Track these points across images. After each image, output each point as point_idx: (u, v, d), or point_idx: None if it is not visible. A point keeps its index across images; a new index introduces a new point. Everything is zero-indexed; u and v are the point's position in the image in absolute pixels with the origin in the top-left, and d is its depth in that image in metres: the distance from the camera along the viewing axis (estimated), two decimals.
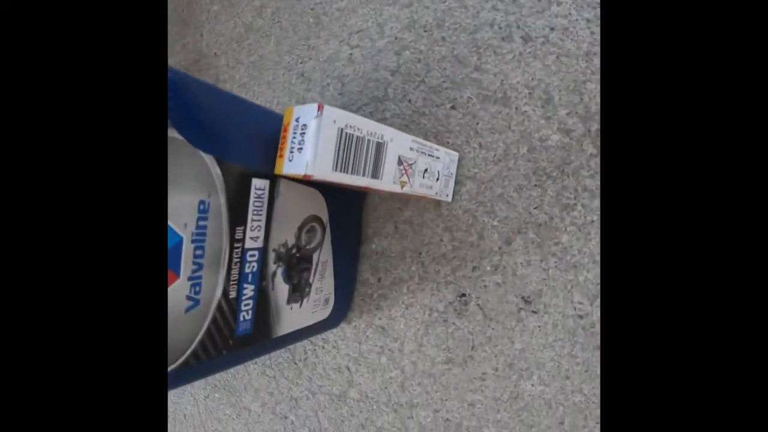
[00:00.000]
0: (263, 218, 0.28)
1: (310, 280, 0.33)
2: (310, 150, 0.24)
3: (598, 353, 0.34)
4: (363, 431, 0.42)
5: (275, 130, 0.28)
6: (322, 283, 0.35)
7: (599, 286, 0.34)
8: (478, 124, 0.38)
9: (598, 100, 0.35)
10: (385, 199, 0.40)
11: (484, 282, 0.37)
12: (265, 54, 0.48)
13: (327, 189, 0.33)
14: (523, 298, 0.36)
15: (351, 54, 0.43)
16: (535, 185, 0.36)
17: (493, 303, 0.37)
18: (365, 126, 0.27)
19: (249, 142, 0.26)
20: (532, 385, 0.36)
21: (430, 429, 0.39)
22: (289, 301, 0.31)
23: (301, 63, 0.45)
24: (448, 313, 0.38)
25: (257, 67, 0.48)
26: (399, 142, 0.29)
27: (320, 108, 0.25)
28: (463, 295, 0.38)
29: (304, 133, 0.25)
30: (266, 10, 0.49)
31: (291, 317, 0.32)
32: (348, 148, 0.25)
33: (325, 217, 0.34)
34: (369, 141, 0.27)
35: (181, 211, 0.23)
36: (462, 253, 0.37)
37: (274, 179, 0.29)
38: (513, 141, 0.36)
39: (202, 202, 0.24)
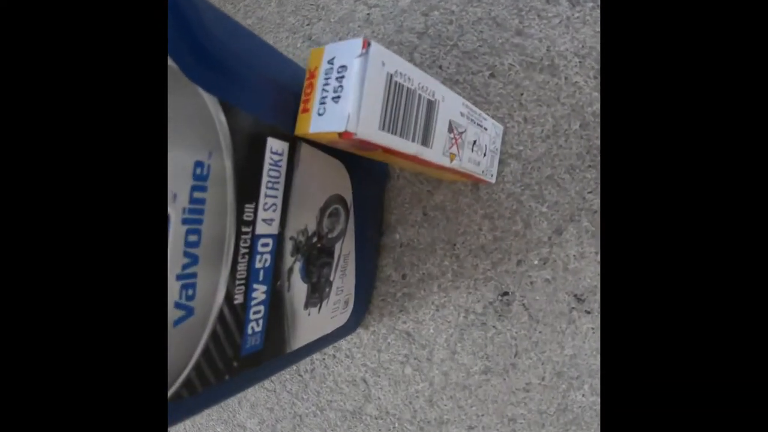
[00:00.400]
0: (280, 194, 0.22)
1: (331, 278, 0.27)
2: (353, 99, 0.18)
3: None
4: None
5: (296, 81, 0.22)
6: (344, 282, 0.29)
7: None
8: (522, 95, 0.32)
9: None
10: (411, 180, 0.34)
11: (530, 278, 0.31)
12: (265, 15, 0.42)
13: (351, 161, 0.27)
14: (575, 296, 0.31)
15: (369, 14, 0.37)
16: (590, 166, 0.30)
17: (540, 302, 0.31)
18: (417, 76, 0.21)
19: (266, 85, 0.20)
20: (583, 396, 0.31)
21: None
22: (307, 305, 0.25)
23: (308, 25, 0.39)
24: (487, 315, 0.32)
25: (256, 30, 0.42)
26: (450, 103, 0.23)
27: (365, 44, 0.19)
28: (506, 293, 0.32)
29: (342, 77, 0.19)
30: None
31: (308, 325, 0.26)
32: (397, 103, 0.20)
33: (349, 198, 0.28)
34: (420, 97, 0.21)
35: (169, 176, 0.17)
36: (505, 245, 0.32)
37: (294, 143, 0.22)
38: (563, 115, 0.31)
39: (199, 164, 0.18)
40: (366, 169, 0.29)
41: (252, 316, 0.21)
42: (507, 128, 0.32)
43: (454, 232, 0.33)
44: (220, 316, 0.20)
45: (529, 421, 0.32)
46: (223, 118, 0.18)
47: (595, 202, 0.30)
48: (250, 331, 0.21)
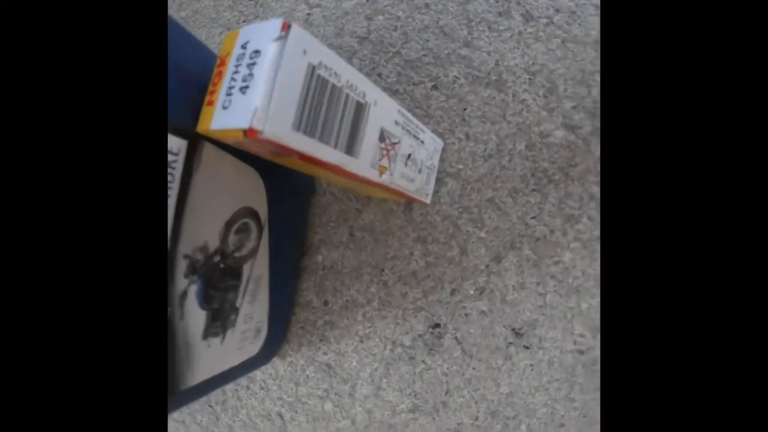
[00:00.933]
0: (173, 202, 0.18)
1: (237, 303, 0.24)
2: (263, 90, 0.15)
3: (598, 395, 0.27)
4: None
5: (206, 71, 0.19)
6: (254, 307, 0.25)
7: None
8: (465, 110, 0.30)
9: None
10: (339, 197, 0.31)
11: (465, 309, 0.29)
12: (201, 9, 0.38)
13: (267, 169, 0.24)
14: (513, 330, 0.28)
15: (309, 14, 0.34)
16: (534, 190, 0.28)
17: (475, 336, 0.29)
18: (346, 72, 0.18)
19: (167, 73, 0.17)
20: None
21: None
22: (206, 335, 0.21)
23: (244, 21, 0.36)
24: (416, 349, 0.29)
25: (189, 24, 0.38)
26: (384, 108, 0.21)
27: (285, 27, 0.16)
28: (438, 325, 0.29)
29: (254, 64, 0.16)
30: None
31: (209, 357, 0.22)
32: (319, 100, 0.17)
33: (263, 213, 0.24)
34: (348, 97, 0.18)
35: None
36: (438, 272, 0.29)
37: (195, 142, 0.19)
38: (508, 134, 0.29)
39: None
40: (285, 180, 0.26)
41: None
42: (447, 144, 0.30)
43: (382, 255, 0.30)
44: None
45: None
46: None
47: (538, 228, 0.28)
48: None
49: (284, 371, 0.31)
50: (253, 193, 0.23)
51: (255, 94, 0.15)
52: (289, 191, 0.27)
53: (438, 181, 0.29)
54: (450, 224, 0.29)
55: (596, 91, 0.29)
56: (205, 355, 0.22)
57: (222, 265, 0.22)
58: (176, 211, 0.19)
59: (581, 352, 0.28)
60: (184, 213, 0.19)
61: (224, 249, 0.22)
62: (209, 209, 0.20)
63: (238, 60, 0.16)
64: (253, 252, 0.24)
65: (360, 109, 0.18)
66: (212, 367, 0.23)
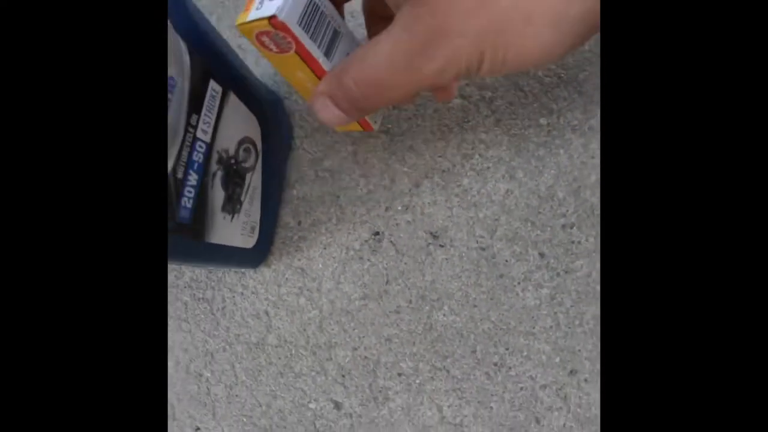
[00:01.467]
0: (213, 116, 0.31)
1: (242, 198, 0.36)
2: None
3: (501, 281, 0.40)
4: (281, 379, 0.43)
5: (231, 56, 0.32)
6: (251, 207, 0.37)
7: (497, 222, 0.40)
8: None
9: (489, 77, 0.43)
10: (309, 150, 0.44)
11: (396, 221, 0.42)
12: None
13: (262, 119, 0.37)
14: (431, 233, 0.41)
15: None
16: (439, 138, 0.42)
17: (404, 239, 0.41)
18: (329, 8, 0.28)
19: (212, 47, 0.30)
20: (444, 316, 0.41)
21: (348, 369, 0.42)
22: (223, 209, 0.34)
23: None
24: (363, 251, 0.42)
25: None
26: (349, 41, 0.30)
27: None
28: (377, 233, 0.42)
29: None
30: None
31: (223, 227, 0.34)
32: (313, 15, 0.27)
33: (258, 144, 0.37)
34: (329, 23, 0.28)
35: None
36: (376, 196, 0.42)
37: (225, 91, 0.32)
38: (421, 103, 0.43)
39: (171, 78, 0.27)
40: (274, 129, 0.39)
41: (186, 193, 0.29)
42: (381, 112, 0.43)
43: (338, 187, 0.43)
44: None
45: (402, 340, 0.41)
46: (187, 58, 0.28)
47: (444, 163, 0.42)
48: (183, 204, 0.29)
49: (269, 276, 0.43)
50: (252, 129, 0.36)
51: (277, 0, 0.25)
52: (275, 137, 0.40)
53: (372, 134, 0.43)
54: (383, 164, 0.42)
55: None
56: (221, 223, 0.34)
57: (235, 167, 0.34)
58: (215, 124, 0.31)
59: (482, 249, 0.41)
60: (219, 126, 0.32)
61: (236, 157, 0.34)
62: (230, 129, 0.33)
63: None
64: (252, 167, 0.37)
65: (335, 34, 0.29)
66: (224, 236, 0.34)
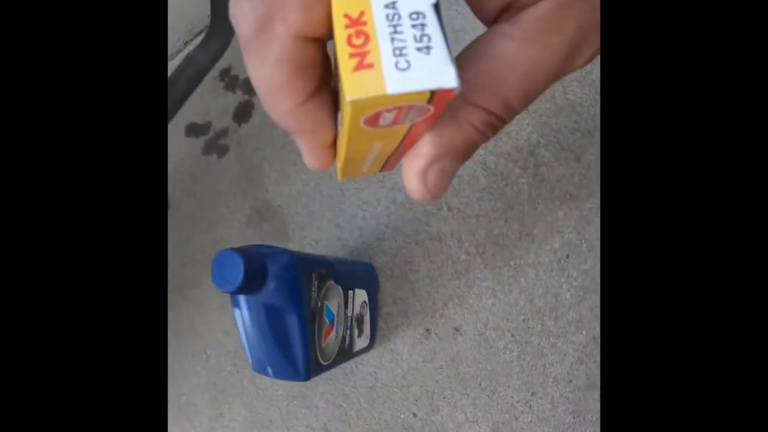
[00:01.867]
0: (351, 305, 0.71)
1: (363, 327, 0.76)
2: (444, 50, 0.15)
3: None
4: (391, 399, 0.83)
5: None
6: (366, 328, 0.77)
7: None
8: None
9: None
10: (388, 287, 0.83)
11: (441, 318, 0.81)
12: (314, 210, 0.92)
13: (370, 286, 0.77)
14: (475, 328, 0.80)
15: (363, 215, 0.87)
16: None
17: (441, 331, 0.80)
18: None
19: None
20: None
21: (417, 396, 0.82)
22: (358, 336, 0.74)
23: (340, 216, 0.89)
24: (421, 339, 0.81)
25: (308, 218, 0.92)
26: None
27: None
28: (428, 329, 0.81)
29: (421, 25, 0.15)
30: (310, 183, 0.93)
31: (358, 343, 0.74)
32: None
33: (367, 299, 0.77)
34: None
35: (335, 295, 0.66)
36: (424, 308, 0.81)
37: (357, 289, 0.72)
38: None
39: (331, 312, 0.66)
40: (372, 286, 0.79)
41: (347, 339, 0.70)
42: None
43: (405, 306, 0.82)
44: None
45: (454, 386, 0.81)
46: (340, 290, 0.68)
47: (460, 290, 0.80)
48: (346, 343, 0.70)
49: (375, 354, 0.83)
50: (365, 296, 0.76)
51: (441, 53, 0.15)
52: (374, 290, 0.80)
53: None
54: (429, 291, 0.82)
55: None
56: (357, 342, 0.74)
57: (359, 317, 0.74)
58: (352, 308, 0.71)
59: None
60: (354, 307, 0.72)
61: (360, 312, 0.74)
62: (357, 304, 0.73)
63: (390, 19, 0.15)
64: (366, 312, 0.77)
65: None
66: (357, 346, 0.75)
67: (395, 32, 0.15)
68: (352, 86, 0.15)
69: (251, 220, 0.91)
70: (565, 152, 0.81)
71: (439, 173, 0.19)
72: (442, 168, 0.19)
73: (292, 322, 0.61)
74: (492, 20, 0.19)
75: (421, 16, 0.15)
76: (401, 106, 0.16)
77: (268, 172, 0.91)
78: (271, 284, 0.58)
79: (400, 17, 0.15)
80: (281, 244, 0.86)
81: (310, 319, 0.62)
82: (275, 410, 0.87)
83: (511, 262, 0.79)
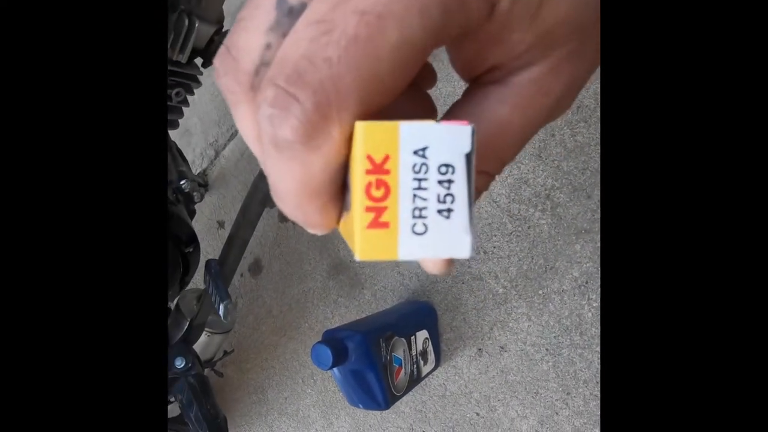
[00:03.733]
0: (416, 344, 0.93)
1: (428, 356, 0.98)
2: (467, 215, 0.14)
3: None
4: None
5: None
6: (431, 357, 0.99)
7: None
8: None
9: None
10: (444, 318, 1.04)
11: (490, 342, 1.01)
12: (378, 262, 1.13)
13: (431, 324, 0.98)
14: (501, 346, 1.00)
15: None
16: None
17: (501, 353, 1.01)
18: None
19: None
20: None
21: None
22: (424, 364, 0.96)
23: (400, 265, 1.10)
24: (474, 358, 1.02)
25: (374, 268, 1.13)
26: None
27: (473, 131, 0.14)
28: (480, 349, 1.02)
29: (448, 181, 0.14)
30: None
31: (425, 369, 0.96)
32: None
33: (428, 334, 0.98)
34: None
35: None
36: (475, 333, 1.02)
37: (417, 332, 0.93)
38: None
39: (397, 358, 0.88)
40: (432, 321, 1.00)
41: (415, 372, 0.92)
42: None
43: (461, 332, 1.03)
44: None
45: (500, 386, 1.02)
46: (404, 340, 0.90)
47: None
48: (416, 375, 0.92)
49: (441, 371, 1.05)
50: (426, 334, 0.98)
51: (461, 219, 0.14)
52: (434, 324, 1.01)
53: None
54: (472, 318, 1.02)
55: None
56: (423, 368, 0.96)
57: (424, 351, 0.96)
58: (415, 347, 0.93)
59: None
60: (417, 345, 0.94)
61: (424, 348, 0.96)
62: (420, 341, 0.95)
63: (416, 171, 0.14)
64: (428, 344, 0.98)
65: None
66: (425, 371, 0.97)
67: (419, 188, 0.14)
68: (364, 245, 0.14)
69: (330, 274, 1.14)
70: (577, 192, 0.96)
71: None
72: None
73: (370, 376, 0.84)
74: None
75: (450, 170, 0.14)
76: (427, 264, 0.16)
77: (335, 233, 1.13)
78: (352, 357, 0.81)
79: (427, 169, 0.14)
80: (357, 291, 1.09)
81: (383, 370, 0.85)
82: (372, 417, 1.12)
83: (540, 292, 0.96)
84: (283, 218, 1.20)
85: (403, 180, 0.14)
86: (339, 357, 0.79)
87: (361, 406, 0.87)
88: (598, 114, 0.98)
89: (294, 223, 1.39)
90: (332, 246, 1.14)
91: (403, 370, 0.90)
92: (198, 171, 1.41)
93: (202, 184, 1.32)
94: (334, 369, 0.84)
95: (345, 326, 0.86)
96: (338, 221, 0.18)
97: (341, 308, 1.11)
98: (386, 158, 0.13)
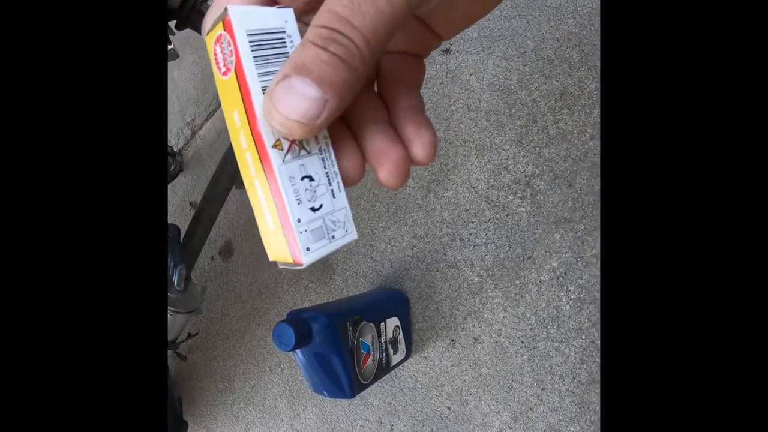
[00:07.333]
0: (384, 332, 0.89)
1: (398, 345, 0.94)
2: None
3: None
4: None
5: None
6: (401, 345, 0.95)
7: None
8: None
9: None
10: (416, 306, 1.00)
11: (463, 330, 0.97)
12: (351, 247, 1.09)
13: (402, 309, 0.94)
14: (474, 338, 0.96)
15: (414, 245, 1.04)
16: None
17: (466, 344, 0.97)
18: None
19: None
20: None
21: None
22: (393, 354, 0.92)
23: (373, 251, 1.06)
24: (447, 348, 0.99)
25: (347, 254, 1.09)
26: None
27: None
28: (453, 340, 0.98)
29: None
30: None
31: (395, 359, 0.93)
32: (272, 44, 0.21)
33: (400, 322, 0.94)
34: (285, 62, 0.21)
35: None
36: (447, 322, 0.98)
37: (386, 319, 0.90)
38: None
39: (366, 344, 0.84)
40: (404, 308, 0.97)
41: (384, 360, 0.88)
42: None
43: (434, 322, 0.99)
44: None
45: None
46: (373, 326, 0.86)
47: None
48: (383, 364, 0.88)
49: (412, 362, 1.01)
50: (397, 320, 0.94)
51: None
52: (406, 311, 0.97)
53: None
54: (445, 308, 0.98)
55: None
56: (393, 358, 0.92)
57: (393, 339, 0.92)
58: (385, 333, 0.90)
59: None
60: (387, 332, 0.90)
61: (394, 336, 0.92)
62: (390, 329, 0.91)
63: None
64: (399, 332, 0.94)
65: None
66: (395, 360, 0.93)
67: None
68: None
69: None
70: (558, 180, 0.93)
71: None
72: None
73: (335, 361, 0.80)
74: None
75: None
76: (219, 35, 0.20)
77: None
78: (316, 339, 0.77)
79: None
80: (328, 277, 1.05)
81: (349, 355, 0.81)
82: (340, 408, 1.08)
83: (517, 282, 0.93)
84: None
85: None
86: (302, 338, 0.75)
87: (325, 393, 0.83)
88: (582, 102, 0.95)
89: None
90: None
91: (371, 357, 0.86)
92: (175, 151, 1.37)
93: (172, 153, 1.27)
94: (298, 352, 0.80)
95: (311, 307, 0.82)
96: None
97: (311, 294, 1.07)
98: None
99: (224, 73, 0.20)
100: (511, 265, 0.94)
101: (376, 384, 1.05)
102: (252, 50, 0.19)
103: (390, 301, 0.96)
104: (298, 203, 0.21)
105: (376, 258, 1.03)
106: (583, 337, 0.89)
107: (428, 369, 1.00)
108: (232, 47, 0.19)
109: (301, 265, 0.21)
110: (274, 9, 0.20)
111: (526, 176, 0.95)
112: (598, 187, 0.90)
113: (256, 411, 1.17)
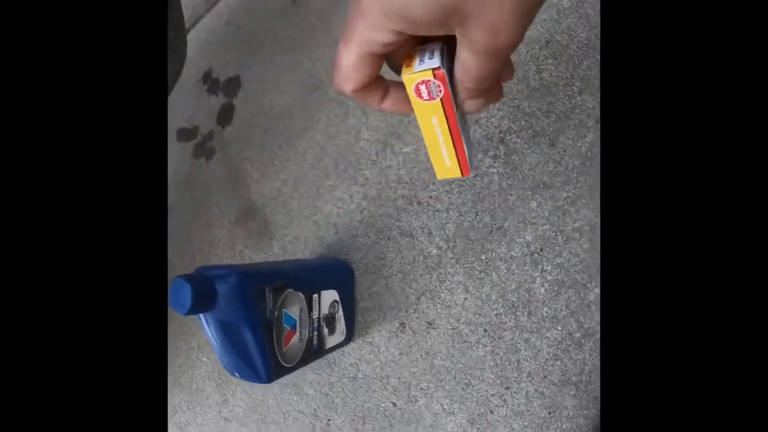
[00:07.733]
0: (317, 307, 0.73)
1: (335, 325, 0.79)
2: (440, 56, 0.31)
3: None
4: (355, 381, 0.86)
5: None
6: (340, 324, 0.80)
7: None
8: None
9: None
10: (363, 282, 0.85)
11: (415, 313, 0.82)
12: (293, 208, 0.94)
13: (341, 284, 0.79)
14: (428, 323, 0.81)
15: (363, 205, 0.88)
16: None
17: (417, 327, 0.82)
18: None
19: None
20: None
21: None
22: (329, 334, 0.77)
23: (317, 214, 0.91)
24: (396, 333, 0.83)
25: (288, 216, 0.94)
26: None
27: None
28: (403, 323, 0.83)
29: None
30: (288, 182, 0.95)
31: (330, 341, 0.77)
32: (449, 73, 0.31)
33: (338, 298, 0.79)
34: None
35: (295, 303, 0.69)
36: (398, 303, 0.83)
37: (323, 291, 0.74)
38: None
39: (335, 302, 0.69)
40: (346, 283, 0.81)
41: (315, 339, 0.73)
42: None
43: (381, 301, 0.84)
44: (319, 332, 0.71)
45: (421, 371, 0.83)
46: (302, 296, 0.71)
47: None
48: (315, 344, 0.73)
49: (354, 347, 0.86)
50: (336, 294, 0.78)
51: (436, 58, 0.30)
52: (348, 287, 0.82)
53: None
54: (397, 290, 0.83)
55: None
56: (329, 339, 0.77)
57: (329, 316, 0.77)
58: (318, 310, 0.74)
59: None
60: (321, 308, 0.75)
61: (330, 311, 0.77)
62: (325, 304, 0.76)
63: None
64: (337, 310, 0.79)
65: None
66: (331, 342, 0.78)
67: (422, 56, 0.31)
68: (403, 73, 0.31)
69: (239, 219, 0.94)
70: (538, 138, 0.78)
71: (476, 103, 0.33)
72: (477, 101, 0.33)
73: (246, 333, 0.64)
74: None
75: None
76: (425, 80, 0.30)
77: (250, 173, 0.94)
78: (221, 302, 0.62)
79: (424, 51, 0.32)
80: (265, 243, 0.90)
81: (266, 328, 0.66)
82: (271, 397, 0.93)
83: (483, 257, 0.78)
84: (197, 154, 1.00)
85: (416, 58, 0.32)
86: (202, 300, 0.59)
87: (237, 374, 0.68)
88: (571, 51, 0.80)
89: (207, 159, 1.21)
90: (245, 188, 0.95)
91: (296, 334, 0.71)
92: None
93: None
94: (201, 318, 0.64)
95: (224, 265, 0.67)
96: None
97: (246, 260, 0.92)
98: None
99: (427, 100, 0.31)
100: (477, 237, 0.78)
101: (313, 371, 0.89)
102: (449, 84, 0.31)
103: (328, 271, 0.81)
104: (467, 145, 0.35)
105: (319, 222, 0.88)
106: (559, 327, 0.73)
107: (372, 356, 0.85)
108: (441, 89, 0.30)
109: (469, 175, 0.36)
110: (440, 52, 0.31)
111: (500, 132, 0.80)
112: (585, 149, 0.75)
113: (183, 393, 1.02)
